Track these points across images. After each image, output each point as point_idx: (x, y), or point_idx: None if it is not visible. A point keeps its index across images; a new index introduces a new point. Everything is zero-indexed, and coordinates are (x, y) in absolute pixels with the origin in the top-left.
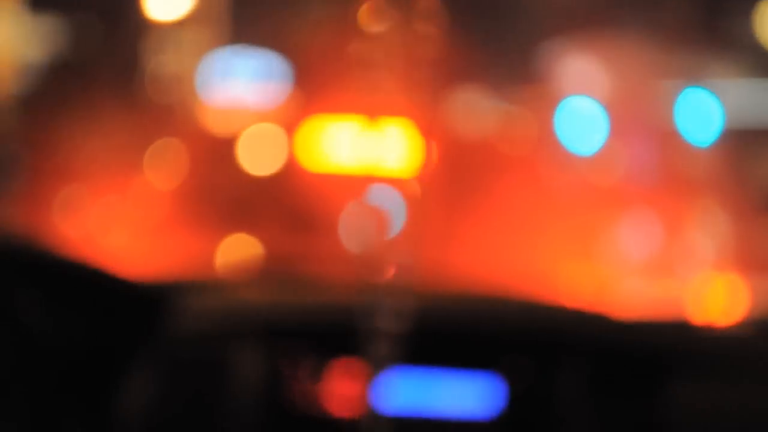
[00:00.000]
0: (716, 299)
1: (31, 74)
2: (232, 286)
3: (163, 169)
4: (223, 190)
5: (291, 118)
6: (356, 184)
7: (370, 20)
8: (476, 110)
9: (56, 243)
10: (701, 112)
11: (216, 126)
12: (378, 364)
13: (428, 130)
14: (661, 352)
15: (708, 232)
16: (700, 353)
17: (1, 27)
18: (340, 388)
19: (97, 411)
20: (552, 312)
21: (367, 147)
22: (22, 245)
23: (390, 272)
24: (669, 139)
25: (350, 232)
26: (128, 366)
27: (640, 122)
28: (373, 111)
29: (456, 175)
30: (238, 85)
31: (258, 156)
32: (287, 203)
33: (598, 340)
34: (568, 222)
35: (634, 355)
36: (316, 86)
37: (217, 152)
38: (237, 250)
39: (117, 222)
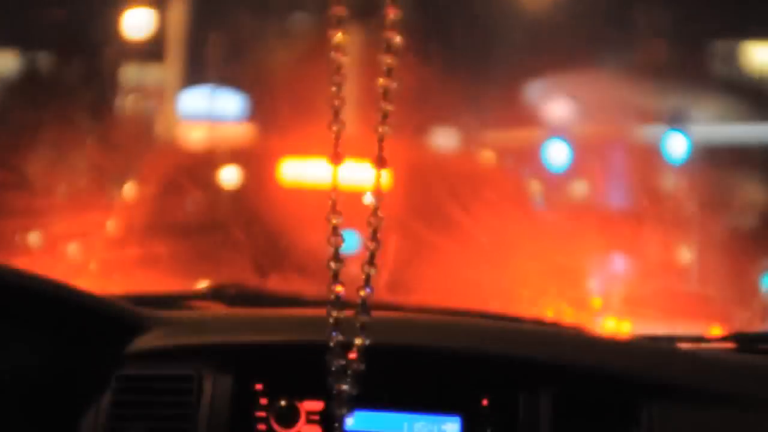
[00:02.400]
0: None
1: None
2: (199, 304)
3: (129, 202)
4: (192, 213)
5: (257, 157)
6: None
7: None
8: (448, 148)
9: (15, 266)
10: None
11: (184, 154)
12: (342, 396)
13: (397, 165)
14: (639, 374)
15: (685, 258)
16: (681, 376)
17: None
18: (309, 413)
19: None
20: (523, 327)
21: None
22: None
23: (360, 293)
24: (646, 178)
25: (319, 251)
26: (91, 385)
27: (615, 162)
28: (341, 150)
29: (424, 197)
30: (206, 124)
31: (226, 171)
32: (256, 221)
33: (570, 359)
34: (540, 244)
35: (610, 377)
36: (283, 126)
37: (184, 175)
38: (204, 269)
39: (81, 247)
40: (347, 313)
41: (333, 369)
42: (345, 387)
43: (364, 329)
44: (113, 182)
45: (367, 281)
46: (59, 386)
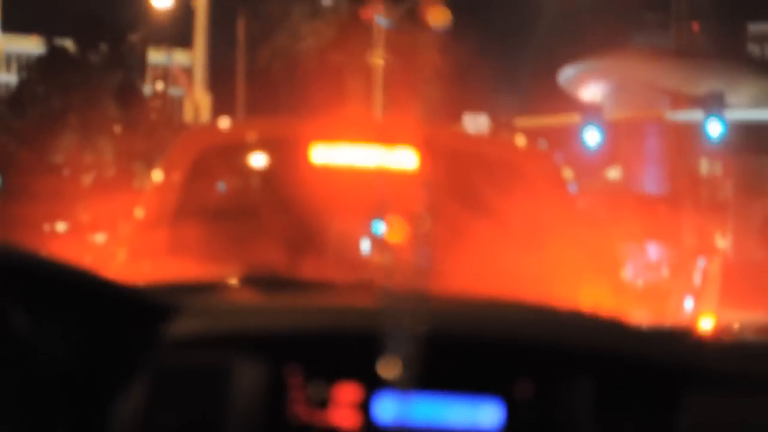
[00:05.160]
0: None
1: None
2: (231, 293)
3: (160, 188)
4: (223, 199)
5: (288, 143)
6: (363, 195)
7: (377, 43)
8: (480, 131)
9: (47, 254)
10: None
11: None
12: (383, 377)
13: (433, 148)
14: (673, 362)
15: (713, 251)
16: (714, 364)
17: None
18: (342, 398)
19: (92, 418)
20: (563, 317)
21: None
22: (12, 253)
23: (397, 280)
24: (678, 161)
25: (357, 241)
26: (124, 372)
27: (651, 146)
28: (378, 133)
29: (458, 186)
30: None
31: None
32: (289, 209)
33: (608, 348)
34: (573, 234)
35: (645, 365)
36: (314, 110)
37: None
38: (236, 256)
39: (109, 233)
40: (392, 300)
41: (385, 355)
42: (395, 371)
43: (412, 317)
44: (143, 167)
45: (413, 271)
46: (92, 371)
